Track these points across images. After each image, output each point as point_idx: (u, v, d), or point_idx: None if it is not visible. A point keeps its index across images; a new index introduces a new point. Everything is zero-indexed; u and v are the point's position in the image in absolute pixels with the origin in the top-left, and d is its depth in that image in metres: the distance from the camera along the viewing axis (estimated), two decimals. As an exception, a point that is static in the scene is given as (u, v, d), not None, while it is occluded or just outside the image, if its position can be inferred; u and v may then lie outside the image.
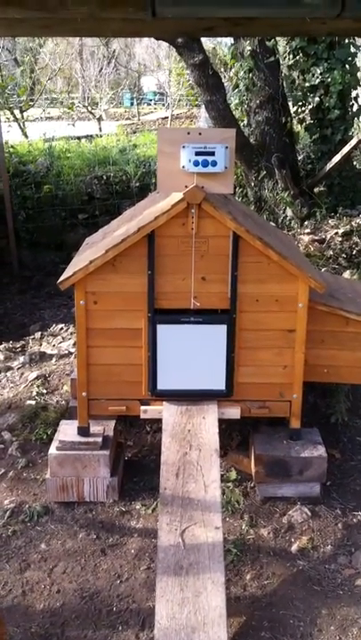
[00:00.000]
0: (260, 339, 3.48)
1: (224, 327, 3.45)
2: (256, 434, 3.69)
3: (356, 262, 5.37)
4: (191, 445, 3.33)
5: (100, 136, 12.06)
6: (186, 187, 3.24)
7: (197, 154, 3.17)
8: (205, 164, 3.18)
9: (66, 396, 4.36)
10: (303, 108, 7.78)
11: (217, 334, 3.46)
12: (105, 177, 8.53)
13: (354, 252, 5.53)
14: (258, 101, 7.38)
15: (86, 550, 3.32)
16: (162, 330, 3.46)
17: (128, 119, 19.89)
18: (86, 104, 18.09)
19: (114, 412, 3.63)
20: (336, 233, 5.89)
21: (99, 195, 8.46)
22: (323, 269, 5.25)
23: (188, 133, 3.21)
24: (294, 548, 3.27)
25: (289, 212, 6.89)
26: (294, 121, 7.88)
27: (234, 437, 3.97)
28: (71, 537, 3.41)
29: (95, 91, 19.38)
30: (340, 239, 5.79)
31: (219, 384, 3.52)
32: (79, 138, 11.23)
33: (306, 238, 5.89)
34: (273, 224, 6.79)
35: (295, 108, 7.78)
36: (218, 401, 3.55)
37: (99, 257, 3.37)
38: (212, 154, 3.17)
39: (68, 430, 3.71)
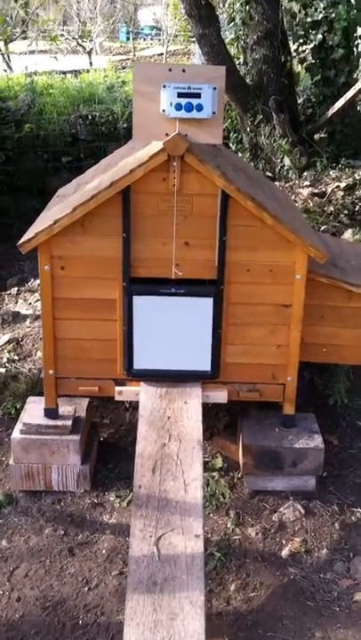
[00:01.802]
0: (251, 314, 3.06)
1: (210, 300, 3.02)
2: (245, 419, 3.30)
3: (359, 220, 4.89)
4: (171, 435, 2.93)
5: (88, 71, 11.29)
6: (167, 135, 2.76)
7: (180, 95, 2.69)
8: (189, 107, 2.70)
9: (39, 363, 3.95)
10: (304, 47, 7.14)
11: (202, 308, 3.03)
12: (90, 117, 7.95)
13: (357, 208, 5.04)
14: (255, 37, 6.73)
15: (52, 549, 2.96)
16: (139, 301, 3.03)
17: (119, 54, 18.91)
18: (76, 36, 17.08)
19: (85, 392, 3.23)
20: (338, 186, 5.39)
21: (83, 136, 7.92)
22: (322, 227, 4.77)
23: (170, 70, 2.72)
24: (285, 552, 2.91)
25: (287, 162, 6.35)
26: (294, 60, 7.25)
27: (221, 418, 3.59)
28: (36, 532, 3.05)
29: (90, 23, 18.34)
30: (341, 193, 5.29)
31: (203, 364, 3.11)
32: (65, 73, 10.50)
33: (305, 192, 5.38)
34: (270, 174, 6.25)
35: (296, 45, 7.15)
36: (202, 383, 3.14)
37: (65, 216, 2.92)
38: (198, 96, 2.69)
39: (34, 410, 3.31)
